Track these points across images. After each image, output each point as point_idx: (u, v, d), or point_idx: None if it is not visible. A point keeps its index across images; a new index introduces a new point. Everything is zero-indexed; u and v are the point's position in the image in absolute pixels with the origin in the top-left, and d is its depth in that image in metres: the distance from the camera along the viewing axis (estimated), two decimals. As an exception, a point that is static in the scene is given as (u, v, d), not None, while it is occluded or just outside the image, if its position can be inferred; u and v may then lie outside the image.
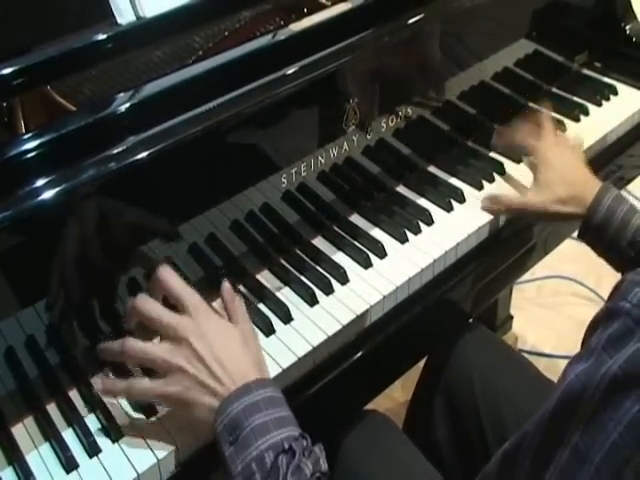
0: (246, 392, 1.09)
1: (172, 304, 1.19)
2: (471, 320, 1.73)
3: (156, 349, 1.15)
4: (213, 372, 1.11)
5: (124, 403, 1.22)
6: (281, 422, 1.07)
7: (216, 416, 1.08)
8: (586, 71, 2.04)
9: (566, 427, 0.82)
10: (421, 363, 1.74)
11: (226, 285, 1.26)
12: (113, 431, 1.17)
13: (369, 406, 1.53)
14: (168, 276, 1.20)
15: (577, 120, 1.87)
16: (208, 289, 1.38)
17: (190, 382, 1.11)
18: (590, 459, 0.79)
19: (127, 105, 1.23)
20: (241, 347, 1.16)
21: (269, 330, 1.32)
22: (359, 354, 1.37)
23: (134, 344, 1.15)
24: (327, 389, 1.34)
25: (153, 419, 1.20)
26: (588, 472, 0.79)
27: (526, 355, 2.36)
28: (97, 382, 1.18)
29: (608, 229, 1.44)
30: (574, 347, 0.90)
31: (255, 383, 1.10)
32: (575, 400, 0.81)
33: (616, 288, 0.83)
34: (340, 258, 1.47)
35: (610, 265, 1.49)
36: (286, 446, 1.04)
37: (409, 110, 1.62)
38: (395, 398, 2.44)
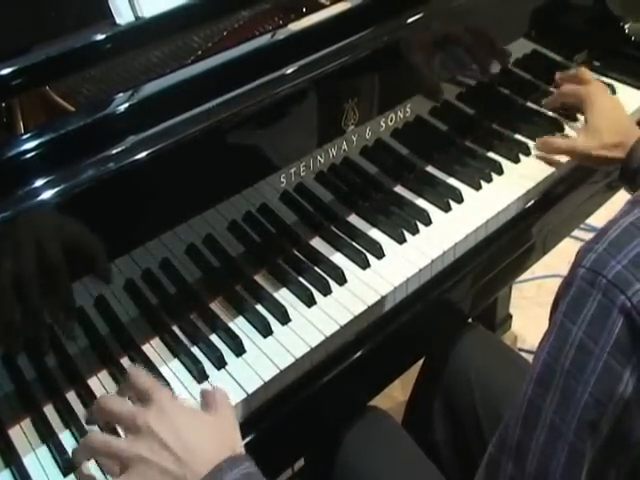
0: (218, 476, 0.97)
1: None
2: (470, 320, 1.73)
3: (118, 441, 1.03)
4: (178, 457, 0.99)
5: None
6: None
7: None
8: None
9: (542, 406, 0.86)
10: (420, 362, 1.74)
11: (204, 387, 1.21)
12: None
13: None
14: (134, 371, 1.10)
15: (575, 119, 1.86)
16: (205, 290, 1.39)
17: (152, 472, 0.98)
18: (566, 427, 0.83)
19: (126, 105, 1.23)
20: (211, 429, 1.05)
21: (267, 331, 1.32)
22: (357, 355, 1.37)
23: (96, 438, 1.05)
24: (326, 389, 1.33)
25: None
26: (566, 440, 0.83)
27: (525, 354, 2.37)
28: None
29: None
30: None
31: (227, 462, 0.98)
32: (548, 379, 0.86)
33: (574, 259, 0.87)
34: (338, 259, 1.47)
35: None
36: None
37: (408, 110, 1.61)
38: (395, 397, 2.44)
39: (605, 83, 1.97)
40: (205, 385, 1.25)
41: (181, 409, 1.05)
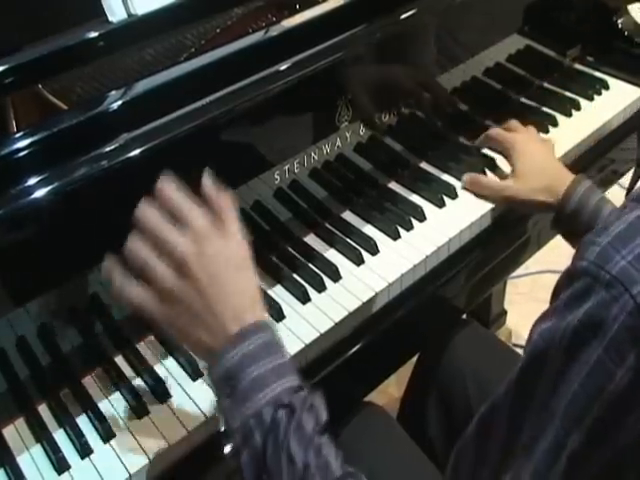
0: (243, 338, 1.02)
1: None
2: (464, 316, 1.74)
3: (158, 263, 1.05)
4: (210, 306, 1.04)
5: (116, 403, 1.23)
6: (278, 371, 1.02)
7: (212, 363, 1.04)
8: (578, 66, 2.04)
9: (534, 388, 0.86)
10: (416, 358, 1.74)
11: (206, 182, 1.12)
12: (105, 431, 1.17)
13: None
14: (168, 187, 1.09)
15: (569, 115, 1.86)
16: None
17: (186, 312, 1.04)
18: (556, 412, 0.83)
19: (119, 103, 1.23)
20: (240, 272, 1.08)
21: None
22: (352, 351, 1.37)
23: (140, 249, 1.06)
24: (320, 386, 1.33)
25: (145, 419, 1.20)
26: (554, 425, 0.83)
27: (520, 350, 2.36)
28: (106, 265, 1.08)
29: (580, 219, 1.49)
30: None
31: (252, 327, 1.04)
32: (540, 360, 0.85)
33: (577, 251, 0.85)
34: (332, 255, 1.47)
35: None
36: (285, 401, 1.00)
37: (401, 106, 1.61)
38: (390, 393, 2.44)
39: (598, 78, 1.98)
40: (199, 383, 1.25)
41: (215, 248, 1.06)
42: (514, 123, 1.73)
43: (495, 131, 1.71)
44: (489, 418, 0.93)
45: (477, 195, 1.61)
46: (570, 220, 1.51)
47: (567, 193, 1.51)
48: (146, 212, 1.08)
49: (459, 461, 0.98)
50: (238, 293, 1.07)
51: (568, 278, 0.84)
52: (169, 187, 1.09)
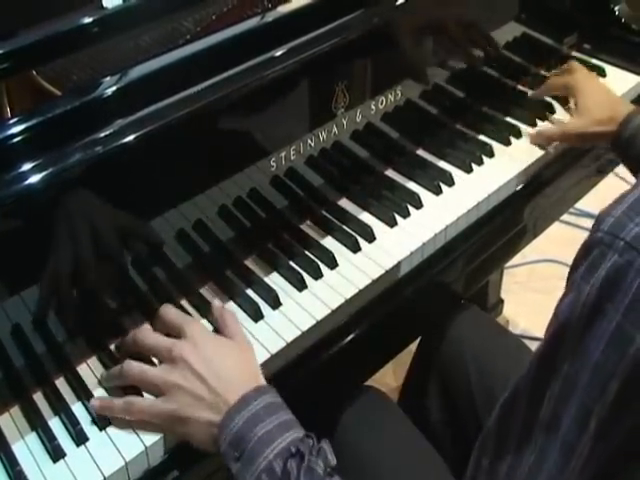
0: (245, 404, 1.09)
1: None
2: (463, 301, 1.73)
3: (154, 370, 1.17)
4: (210, 386, 1.12)
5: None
6: (284, 427, 1.08)
7: (219, 434, 1.09)
8: (575, 53, 2.04)
9: (555, 360, 0.86)
10: (413, 347, 1.74)
11: (215, 303, 1.29)
12: (100, 419, 1.17)
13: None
14: (164, 309, 1.26)
15: (566, 102, 1.86)
16: (195, 275, 1.38)
17: (188, 398, 1.12)
18: (580, 382, 0.83)
19: (114, 89, 1.22)
20: (238, 359, 1.18)
21: (257, 316, 1.32)
22: (350, 337, 1.37)
23: (132, 367, 1.18)
24: (318, 372, 1.33)
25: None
26: (578, 395, 0.83)
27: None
28: (95, 402, 1.17)
29: (636, 143, 1.60)
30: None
31: (254, 392, 1.11)
32: (562, 333, 0.85)
33: (593, 225, 0.85)
34: (329, 243, 1.46)
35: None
36: (293, 450, 1.04)
37: (398, 93, 1.61)
38: (387, 384, 2.44)
39: (595, 65, 1.98)
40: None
41: (210, 340, 1.20)
42: (572, 63, 1.85)
43: (554, 79, 1.86)
44: (510, 402, 0.94)
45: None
46: (627, 144, 1.62)
47: (626, 119, 1.62)
48: (142, 332, 1.24)
49: (480, 457, 0.98)
50: (236, 371, 1.16)
51: (584, 251, 0.85)
52: (167, 309, 1.26)
